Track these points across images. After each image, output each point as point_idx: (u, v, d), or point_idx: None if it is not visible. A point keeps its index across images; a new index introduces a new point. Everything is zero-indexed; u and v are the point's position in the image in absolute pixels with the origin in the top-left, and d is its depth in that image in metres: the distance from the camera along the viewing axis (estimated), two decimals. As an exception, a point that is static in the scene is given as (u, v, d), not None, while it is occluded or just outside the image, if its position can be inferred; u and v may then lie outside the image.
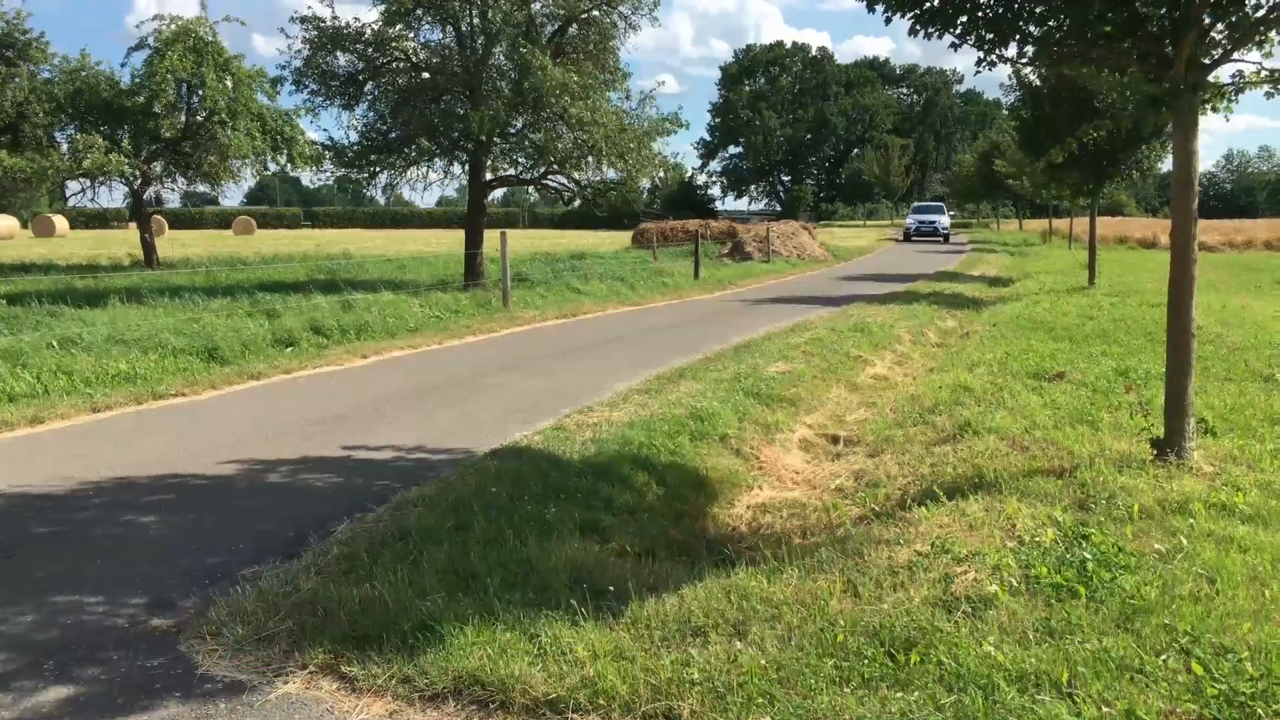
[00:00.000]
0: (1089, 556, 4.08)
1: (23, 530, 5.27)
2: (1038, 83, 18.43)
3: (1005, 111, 35.27)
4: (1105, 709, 2.94)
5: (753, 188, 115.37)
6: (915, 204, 64.30)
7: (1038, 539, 4.41)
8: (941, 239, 51.22)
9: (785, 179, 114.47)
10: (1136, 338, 11.65)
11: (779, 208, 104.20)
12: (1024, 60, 5.60)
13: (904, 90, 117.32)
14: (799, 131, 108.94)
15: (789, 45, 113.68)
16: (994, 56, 5.53)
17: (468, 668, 3.46)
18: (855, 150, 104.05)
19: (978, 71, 5.79)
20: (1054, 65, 5.86)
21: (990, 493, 5.36)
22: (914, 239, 51.68)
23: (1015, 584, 3.91)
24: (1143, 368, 9.10)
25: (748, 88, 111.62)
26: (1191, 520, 4.64)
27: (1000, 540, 4.48)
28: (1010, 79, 19.58)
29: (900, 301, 18.06)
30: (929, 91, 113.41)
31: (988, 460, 6.13)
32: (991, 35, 5.43)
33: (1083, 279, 20.84)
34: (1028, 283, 22.48)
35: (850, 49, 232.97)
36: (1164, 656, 3.28)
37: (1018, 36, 5.43)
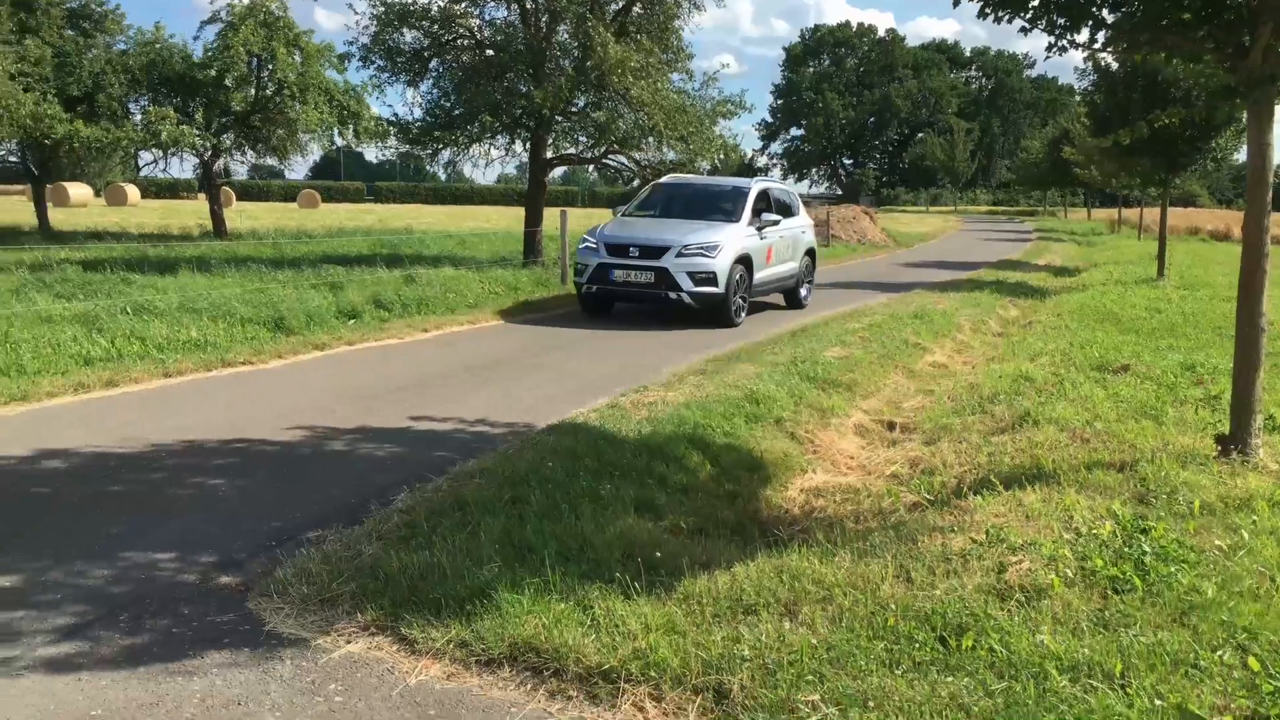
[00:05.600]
0: (1147, 550, 4.05)
1: (99, 488, 5.47)
2: (1113, 66, 18.03)
3: (1077, 97, 34.07)
4: (1157, 701, 2.93)
5: (814, 171, 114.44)
6: (660, 183, 15.62)
7: (1095, 531, 4.38)
8: (706, 297, 12.57)
9: (847, 162, 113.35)
10: (1204, 332, 11.42)
11: (840, 192, 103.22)
12: (1096, 46, 5.51)
13: (972, 73, 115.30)
14: (862, 114, 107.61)
15: (856, 26, 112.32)
16: (1065, 41, 5.44)
17: (523, 635, 3.54)
18: (920, 134, 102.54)
19: (1048, 56, 5.72)
20: (1128, 52, 5.74)
21: (1048, 484, 5.32)
22: (599, 297, 13.35)
23: (1070, 575, 3.90)
24: (1210, 363, 8.93)
25: (811, 69, 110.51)
26: (1254, 517, 4.57)
27: (1057, 531, 4.45)
28: (1085, 62, 19.16)
29: (962, 289, 17.85)
30: (998, 75, 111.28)
31: (1047, 451, 6.07)
32: (1064, 20, 5.35)
33: (1151, 270, 20.40)
34: (1094, 273, 22.08)
35: (914, 30, 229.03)
36: (1220, 652, 3.25)
37: (1091, 21, 5.34)
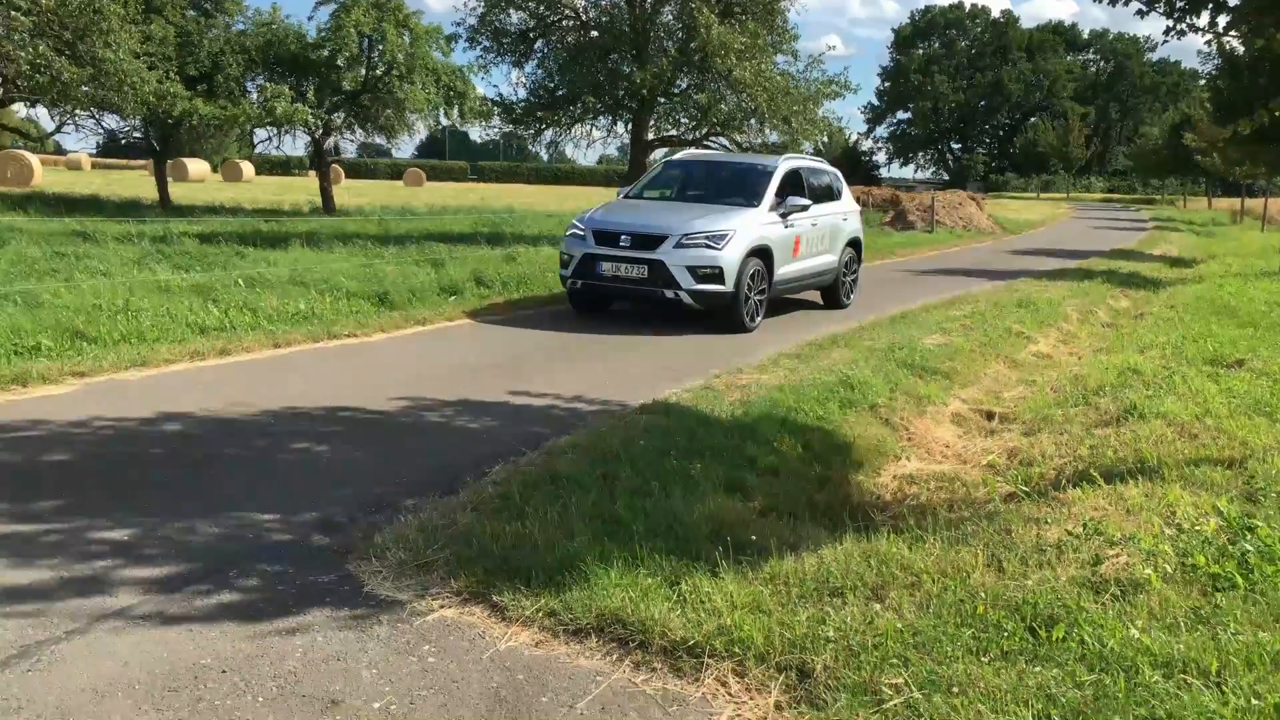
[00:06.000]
0: (1252, 549, 3.92)
1: (211, 450, 5.73)
2: (1238, 50, 17.25)
3: (1201, 81, 32.56)
4: (1254, 701, 2.85)
5: (920, 155, 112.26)
6: (673, 160, 14.82)
7: (1198, 528, 4.25)
8: (710, 296, 10.67)
9: (955, 147, 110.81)
10: (1329, 327, 10.89)
11: (946, 177, 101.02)
12: (1218, 30, 5.29)
13: (1090, 56, 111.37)
14: (972, 97, 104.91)
15: (968, 7, 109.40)
16: (1185, 25, 5.24)
17: (610, 607, 3.61)
18: (1032, 119, 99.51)
19: (1165, 40, 5.52)
20: (1251, 35, 5.50)
21: (1151, 478, 5.17)
22: (584, 294, 11.41)
23: (1169, 570, 3.80)
24: (1333, 359, 8.52)
25: (921, 51, 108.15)
26: (1372, 520, 4.37)
27: (1158, 526, 4.33)
28: (1209, 46, 18.33)
29: (1071, 278, 17.33)
30: (1118, 58, 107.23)
31: (1152, 446, 5.90)
32: (1182, 2, 5.15)
33: (1274, 263, 19.52)
34: (1213, 264, 21.20)
35: (1030, 11, 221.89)
36: (1326, 655, 3.14)
37: (1211, 4, 5.13)
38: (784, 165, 12.35)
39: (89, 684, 3.17)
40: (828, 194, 13.31)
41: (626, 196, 12.93)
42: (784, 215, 11.68)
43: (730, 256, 10.63)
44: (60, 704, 3.05)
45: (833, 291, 13.33)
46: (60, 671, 3.24)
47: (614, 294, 11.27)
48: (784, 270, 11.76)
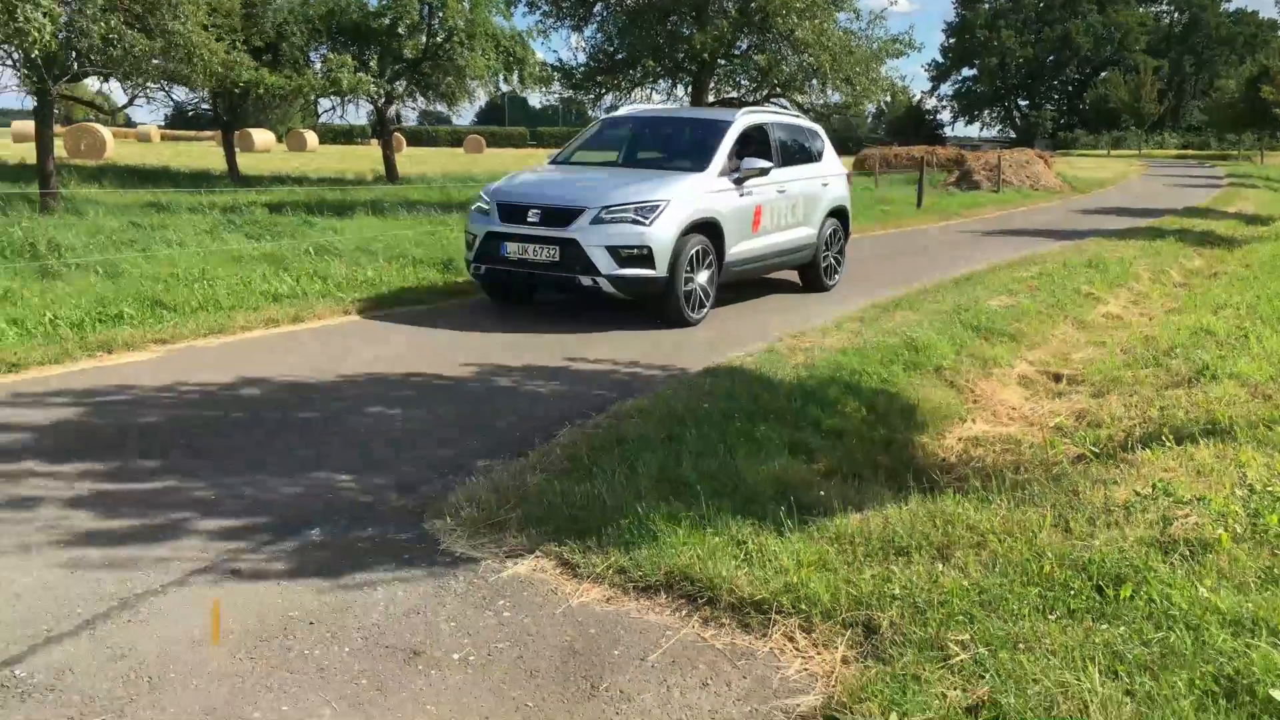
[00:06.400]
0: (1325, 509, 3.88)
1: (288, 413, 5.92)
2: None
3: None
4: (1326, 660, 2.85)
5: (986, 113, 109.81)
6: (614, 118, 11.99)
7: (1270, 488, 4.21)
8: (636, 283, 8.63)
9: (1022, 104, 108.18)
10: None
11: (1013, 135, 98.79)
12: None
13: (1164, 7, 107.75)
14: (1040, 52, 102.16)
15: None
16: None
17: (679, 565, 3.69)
18: (1103, 73, 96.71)
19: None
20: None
21: (1223, 439, 5.11)
22: (489, 280, 9.38)
23: (1240, 531, 3.78)
24: None
25: (987, 5, 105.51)
26: None
27: (1229, 487, 4.30)
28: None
29: (1142, 237, 16.95)
30: (1192, 9, 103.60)
31: (1224, 407, 5.81)
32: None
33: (1357, 219, 18.88)
34: (1291, 221, 20.57)
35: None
36: (1400, 616, 3.11)
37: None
38: (742, 120, 10.18)
39: (185, 634, 3.34)
40: (803, 154, 11.15)
41: (554, 161, 10.94)
42: (739, 181, 9.58)
43: (662, 234, 8.64)
44: (160, 652, 3.22)
45: (812, 271, 11.24)
46: (158, 622, 3.42)
47: (524, 281, 9.27)
48: (740, 248, 9.69)
